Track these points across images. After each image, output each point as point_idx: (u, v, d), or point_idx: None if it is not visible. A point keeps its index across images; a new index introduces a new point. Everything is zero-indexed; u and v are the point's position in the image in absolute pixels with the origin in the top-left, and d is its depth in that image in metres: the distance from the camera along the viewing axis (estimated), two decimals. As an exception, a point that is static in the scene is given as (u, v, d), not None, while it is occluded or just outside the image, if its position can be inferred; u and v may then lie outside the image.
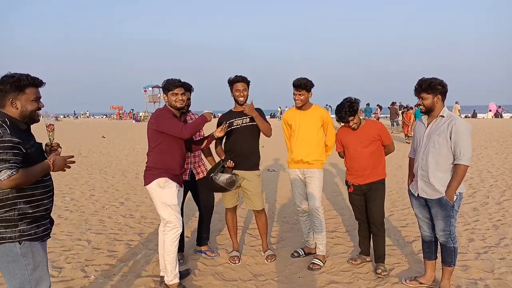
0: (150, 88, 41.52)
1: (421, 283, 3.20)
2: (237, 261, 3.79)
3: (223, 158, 3.64)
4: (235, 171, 3.65)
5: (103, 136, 19.36)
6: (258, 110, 3.76)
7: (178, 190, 3.22)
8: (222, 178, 3.50)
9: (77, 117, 60.92)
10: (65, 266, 3.67)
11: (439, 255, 3.13)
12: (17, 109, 2.06)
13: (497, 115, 30.96)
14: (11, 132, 1.95)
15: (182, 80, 3.65)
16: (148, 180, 3.12)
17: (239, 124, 3.67)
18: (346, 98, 3.43)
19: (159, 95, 41.97)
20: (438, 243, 3.09)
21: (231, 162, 3.60)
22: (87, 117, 60.33)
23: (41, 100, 2.15)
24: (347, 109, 3.35)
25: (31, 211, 2.07)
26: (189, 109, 3.83)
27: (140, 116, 40.97)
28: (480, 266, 3.57)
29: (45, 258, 2.19)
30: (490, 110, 31.30)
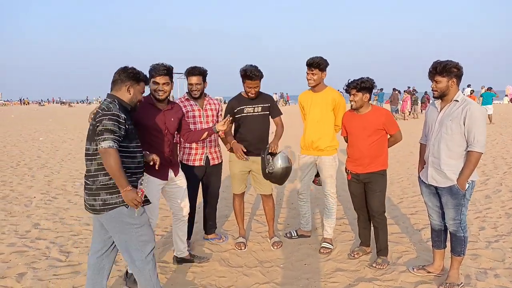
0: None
1: (429, 272, 3.14)
2: (243, 247, 3.78)
3: (263, 151, 3.48)
4: (248, 158, 3.60)
5: (113, 122, 19.50)
6: (269, 98, 3.68)
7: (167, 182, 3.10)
8: (275, 165, 3.37)
9: (89, 103, 61.47)
10: (73, 251, 3.72)
11: (448, 244, 3.06)
12: (130, 94, 2.45)
13: (514, 100, 30.12)
14: (120, 109, 2.31)
15: (197, 66, 3.49)
16: None
17: (250, 112, 3.58)
18: (368, 77, 3.26)
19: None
20: (448, 232, 3.01)
21: (273, 147, 3.47)
22: (99, 102, 60.86)
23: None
24: (358, 82, 3.21)
25: (129, 179, 2.28)
26: (205, 92, 3.67)
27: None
28: (490, 255, 3.49)
29: (148, 218, 2.48)
30: (506, 95, 30.46)
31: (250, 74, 3.43)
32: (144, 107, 2.96)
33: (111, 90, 2.46)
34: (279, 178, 3.47)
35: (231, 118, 3.44)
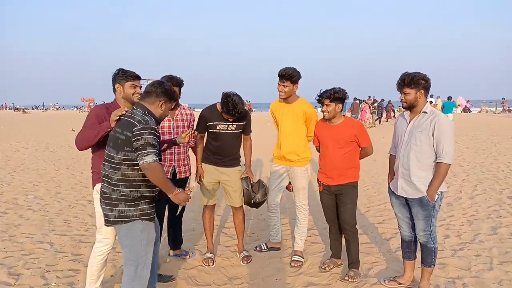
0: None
1: (400, 284, 3.13)
2: (211, 264, 3.61)
3: (247, 183, 3.58)
4: (217, 169, 3.55)
5: (72, 129, 18.58)
6: (246, 116, 3.51)
7: None
8: (260, 196, 3.56)
9: (46, 109, 58.56)
10: (24, 273, 3.38)
11: (418, 254, 3.07)
12: (162, 110, 2.43)
13: (466, 110, 32.00)
14: (155, 122, 2.33)
15: (175, 76, 3.34)
16: (93, 184, 2.79)
17: (223, 129, 3.44)
18: (340, 87, 3.24)
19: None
20: (418, 243, 3.02)
21: (252, 177, 3.63)
22: (57, 109, 58.11)
23: None
24: (331, 92, 3.17)
25: (148, 194, 2.36)
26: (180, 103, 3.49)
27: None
28: (457, 263, 3.55)
29: (154, 236, 2.51)
30: (459, 105, 32.31)
31: (233, 113, 3.25)
32: (110, 114, 2.72)
33: (142, 99, 2.43)
34: (259, 204, 3.65)
35: (193, 131, 3.33)
